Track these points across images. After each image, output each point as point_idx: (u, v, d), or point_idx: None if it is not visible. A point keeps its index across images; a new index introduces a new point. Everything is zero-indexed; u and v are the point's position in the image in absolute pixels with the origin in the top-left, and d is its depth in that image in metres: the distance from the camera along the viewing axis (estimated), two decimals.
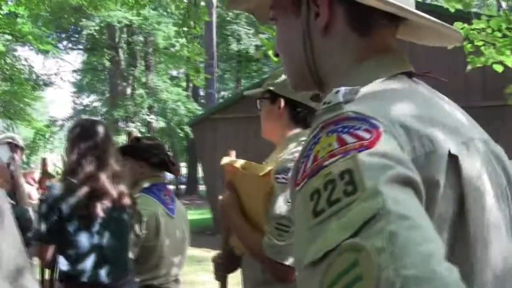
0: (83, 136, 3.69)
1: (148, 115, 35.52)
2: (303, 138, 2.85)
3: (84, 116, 44.49)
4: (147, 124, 35.45)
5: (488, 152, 1.21)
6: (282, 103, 2.95)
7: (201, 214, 24.08)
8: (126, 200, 3.72)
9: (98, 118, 29.85)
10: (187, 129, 31.75)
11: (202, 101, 39.09)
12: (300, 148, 2.83)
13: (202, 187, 34.92)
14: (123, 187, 3.72)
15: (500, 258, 1.14)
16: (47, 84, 42.24)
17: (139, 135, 4.64)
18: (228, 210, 2.95)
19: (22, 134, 30.87)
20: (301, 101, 2.92)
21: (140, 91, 35.19)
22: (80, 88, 46.16)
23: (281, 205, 2.63)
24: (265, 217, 2.69)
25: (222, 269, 3.19)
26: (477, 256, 1.10)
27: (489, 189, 1.15)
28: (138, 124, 34.84)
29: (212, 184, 18.41)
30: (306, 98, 2.93)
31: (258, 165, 2.81)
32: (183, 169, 43.22)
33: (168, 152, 4.48)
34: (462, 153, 1.12)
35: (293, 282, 2.63)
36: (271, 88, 2.99)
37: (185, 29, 14.82)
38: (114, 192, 3.64)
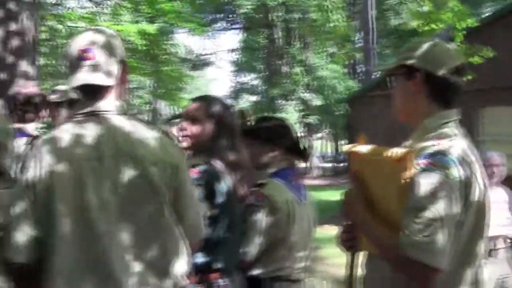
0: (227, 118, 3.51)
1: (308, 92, 35.39)
2: (445, 120, 2.60)
3: (244, 95, 45.38)
4: (304, 102, 35.32)
5: None
6: (421, 78, 2.62)
7: None
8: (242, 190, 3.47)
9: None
10: (345, 106, 31.44)
11: (361, 78, 38.59)
12: (444, 130, 2.48)
13: None
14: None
15: None
16: (207, 64, 43.42)
17: (248, 113, 4.28)
18: (353, 205, 2.64)
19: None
20: (443, 76, 2.59)
21: (297, 69, 35.08)
22: (238, 67, 46.84)
23: (424, 194, 2.31)
24: (400, 209, 2.37)
25: (351, 238, 2.80)
26: None
27: None
28: (295, 102, 34.81)
29: None
30: (448, 72, 2.61)
31: (392, 149, 2.45)
32: (344, 147, 42.89)
33: (298, 134, 4.16)
34: None
35: (434, 283, 2.34)
36: (409, 62, 2.65)
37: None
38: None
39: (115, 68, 2.59)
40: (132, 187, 2.48)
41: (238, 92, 46.17)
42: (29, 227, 2.42)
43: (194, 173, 3.06)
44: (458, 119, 2.65)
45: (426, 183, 2.31)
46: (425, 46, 2.66)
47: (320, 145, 55.12)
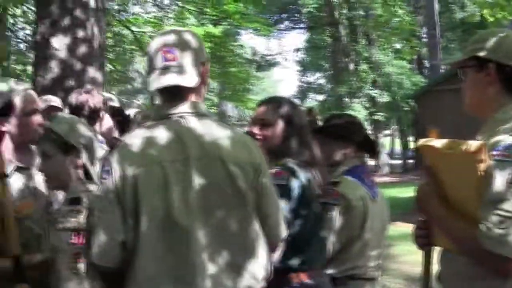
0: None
1: (374, 89, 35.18)
2: None
3: (311, 94, 45.40)
4: (372, 99, 35.09)
5: None
6: (493, 69, 2.57)
7: None
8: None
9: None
10: (412, 102, 31.10)
11: (427, 73, 38.14)
12: None
13: None
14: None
15: None
16: (273, 64, 43.52)
17: (315, 112, 4.25)
18: (428, 200, 2.61)
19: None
20: None
21: (363, 66, 34.89)
22: (304, 66, 46.82)
23: (500, 187, 2.27)
24: (477, 202, 2.34)
25: (425, 235, 2.81)
26: None
27: None
28: (362, 99, 34.62)
29: None
30: None
31: (466, 142, 2.41)
32: (411, 144, 42.46)
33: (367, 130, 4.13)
34: None
35: None
36: (480, 53, 2.61)
37: None
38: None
39: (195, 69, 2.58)
40: (216, 189, 2.48)
41: (304, 91, 46.25)
42: (114, 230, 2.42)
43: (270, 175, 3.07)
44: None
45: (502, 175, 2.27)
46: (495, 37, 2.62)
47: (389, 142, 54.61)
